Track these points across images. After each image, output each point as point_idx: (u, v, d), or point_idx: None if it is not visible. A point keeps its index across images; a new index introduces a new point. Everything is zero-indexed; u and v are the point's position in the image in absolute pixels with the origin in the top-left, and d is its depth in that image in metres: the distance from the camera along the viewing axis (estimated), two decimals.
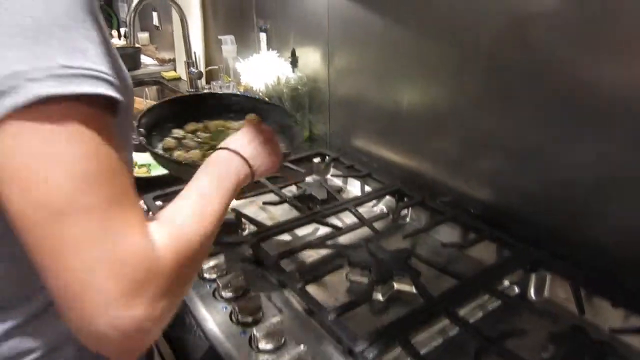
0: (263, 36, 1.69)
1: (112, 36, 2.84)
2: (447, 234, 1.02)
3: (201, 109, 1.05)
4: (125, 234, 0.41)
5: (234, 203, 1.14)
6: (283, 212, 1.14)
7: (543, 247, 0.90)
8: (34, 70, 0.38)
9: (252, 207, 1.18)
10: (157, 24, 2.77)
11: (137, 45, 2.65)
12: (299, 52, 1.47)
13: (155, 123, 0.98)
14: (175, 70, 2.49)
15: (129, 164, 0.61)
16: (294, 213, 1.10)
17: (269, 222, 1.07)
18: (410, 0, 1.11)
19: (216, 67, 1.97)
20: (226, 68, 1.89)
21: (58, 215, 0.39)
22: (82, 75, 0.40)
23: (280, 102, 1.59)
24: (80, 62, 0.40)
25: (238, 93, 1.53)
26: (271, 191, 1.18)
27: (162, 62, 2.63)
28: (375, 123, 1.32)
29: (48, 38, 0.39)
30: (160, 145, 0.95)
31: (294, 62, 1.47)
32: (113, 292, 0.39)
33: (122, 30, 3.06)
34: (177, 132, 0.99)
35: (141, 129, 0.93)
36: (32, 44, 0.38)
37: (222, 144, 0.72)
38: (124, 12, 3.40)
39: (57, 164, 0.39)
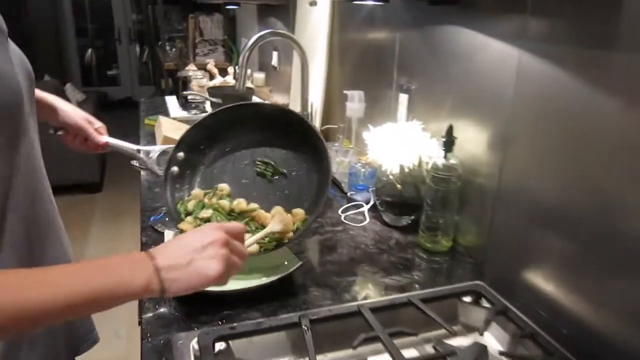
0: (404, 99, 1.26)
1: (227, 73, 2.59)
2: None
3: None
4: None
5: None
6: None
7: None
8: None
9: None
10: (276, 65, 2.48)
11: (250, 86, 2.37)
12: (456, 129, 1.02)
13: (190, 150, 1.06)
14: None
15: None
16: None
17: None
18: None
19: (335, 126, 1.57)
20: (347, 130, 1.49)
21: None
22: None
23: (415, 194, 1.14)
24: None
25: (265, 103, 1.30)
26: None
27: None
28: (576, 251, 0.81)
29: None
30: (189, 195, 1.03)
31: (449, 144, 1.02)
32: None
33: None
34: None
35: (174, 167, 1.04)
36: None
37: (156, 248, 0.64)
38: None
39: None
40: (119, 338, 2.29)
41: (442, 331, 0.83)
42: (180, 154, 1.05)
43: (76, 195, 3.91)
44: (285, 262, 0.94)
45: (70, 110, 1.09)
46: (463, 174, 1.04)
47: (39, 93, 1.07)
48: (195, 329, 0.79)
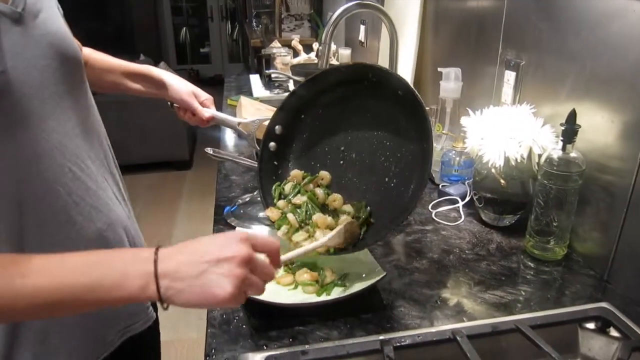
0: (510, 77, 1.07)
1: (312, 49, 2.48)
2: None
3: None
4: None
5: None
6: None
7: None
8: None
9: None
10: (363, 40, 2.33)
11: (335, 62, 2.24)
12: (580, 116, 0.83)
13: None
14: None
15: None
16: None
17: None
18: None
19: (427, 108, 1.40)
20: (441, 113, 1.32)
21: None
22: None
23: (521, 190, 0.97)
24: None
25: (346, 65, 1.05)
26: None
27: None
28: None
29: None
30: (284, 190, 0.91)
31: (569, 134, 0.83)
32: None
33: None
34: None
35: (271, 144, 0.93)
36: None
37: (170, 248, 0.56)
38: None
39: None
40: (200, 319, 2.31)
41: None
42: (278, 127, 0.93)
43: (168, 172, 4.06)
44: (364, 274, 0.81)
45: (176, 85, 1.07)
46: (587, 170, 0.85)
47: (151, 70, 1.08)
48: (264, 347, 0.69)
